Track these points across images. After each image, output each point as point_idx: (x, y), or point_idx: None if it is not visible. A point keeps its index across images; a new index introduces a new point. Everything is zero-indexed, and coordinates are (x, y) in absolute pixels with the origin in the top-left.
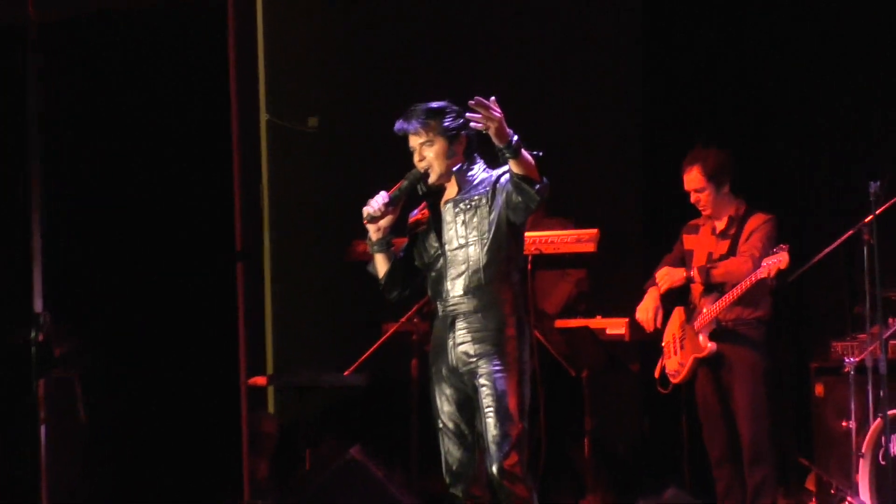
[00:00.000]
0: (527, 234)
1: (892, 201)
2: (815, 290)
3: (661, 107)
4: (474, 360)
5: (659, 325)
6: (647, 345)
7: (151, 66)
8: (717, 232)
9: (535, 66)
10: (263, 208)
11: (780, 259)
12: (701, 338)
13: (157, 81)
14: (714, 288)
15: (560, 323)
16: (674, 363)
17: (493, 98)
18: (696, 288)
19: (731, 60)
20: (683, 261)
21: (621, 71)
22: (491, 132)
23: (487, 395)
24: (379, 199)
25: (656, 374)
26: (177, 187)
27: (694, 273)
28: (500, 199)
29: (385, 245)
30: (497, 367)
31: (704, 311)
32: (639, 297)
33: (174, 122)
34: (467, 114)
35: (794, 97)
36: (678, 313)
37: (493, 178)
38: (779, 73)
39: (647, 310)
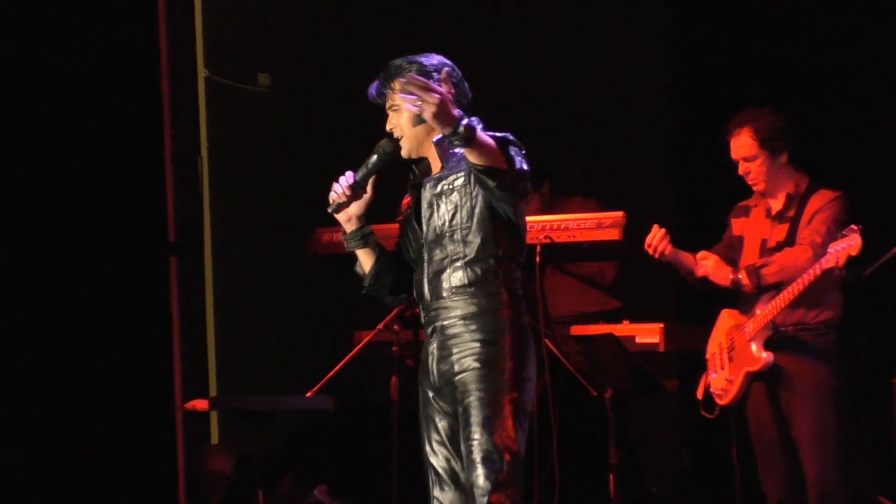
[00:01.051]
0: (535, 218)
1: None
2: None
3: (695, 76)
4: (459, 378)
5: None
6: (689, 356)
7: (59, 13)
8: (773, 213)
9: (550, 36)
10: (203, 188)
11: (851, 243)
12: (754, 347)
13: (66, 31)
14: (769, 286)
15: (577, 330)
16: (721, 380)
17: (441, 72)
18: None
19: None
20: (734, 250)
21: (651, 41)
22: (427, 116)
23: (472, 419)
24: (343, 182)
25: (699, 395)
26: (94, 163)
27: (742, 276)
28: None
29: (361, 238)
30: (486, 387)
31: (758, 313)
32: (675, 297)
33: (89, 82)
34: (399, 94)
35: (859, 52)
36: (726, 317)
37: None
38: (838, 22)
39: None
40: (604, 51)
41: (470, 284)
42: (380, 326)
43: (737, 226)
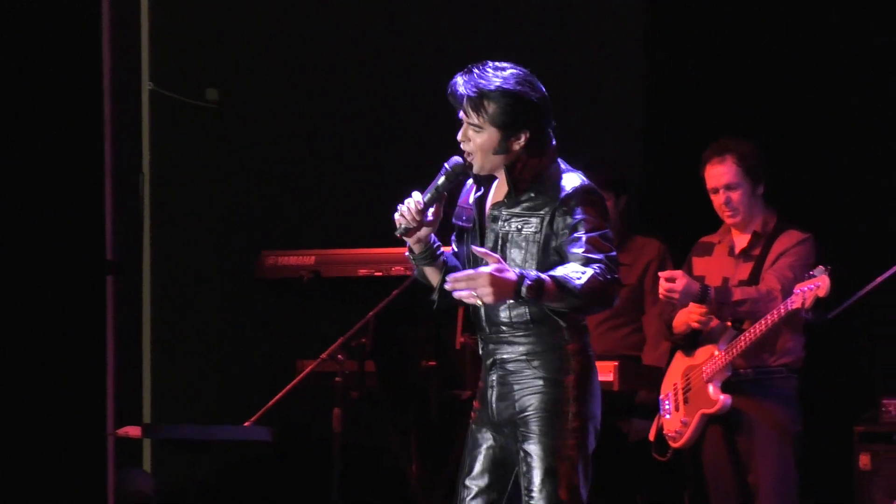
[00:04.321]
0: None
1: None
2: (864, 330)
3: (665, 106)
4: (521, 418)
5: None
6: (644, 397)
7: None
8: (738, 252)
9: (517, 44)
10: (144, 205)
11: (819, 284)
12: (711, 389)
13: (3, 38)
14: (722, 316)
15: None
16: (675, 422)
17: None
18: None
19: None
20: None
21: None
22: (491, 301)
23: (534, 466)
24: (411, 206)
25: (651, 437)
26: (29, 177)
27: (711, 293)
28: (554, 243)
29: (430, 257)
30: (550, 432)
31: (716, 353)
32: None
33: (27, 92)
34: (455, 293)
35: (829, 87)
36: (682, 356)
37: (554, 207)
38: (813, 54)
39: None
40: (571, 66)
41: (532, 320)
42: (323, 356)
43: (699, 264)
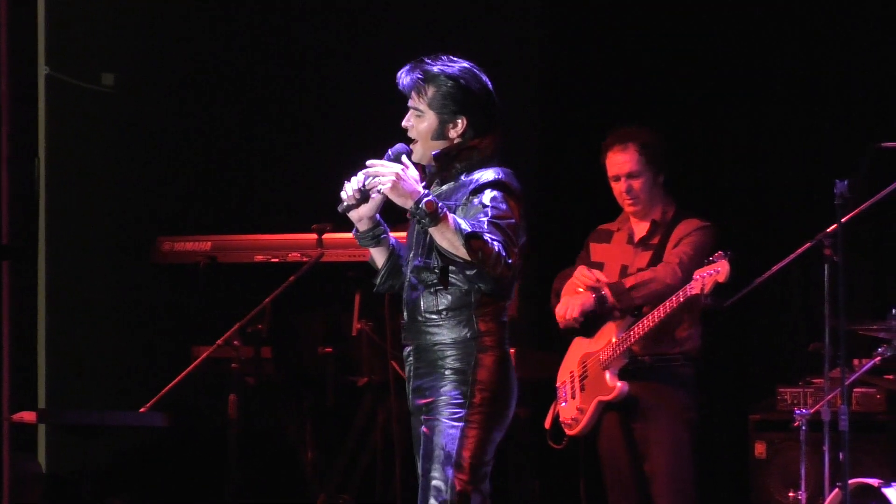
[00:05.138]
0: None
1: (864, 206)
2: (760, 319)
3: (561, 95)
4: (429, 404)
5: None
6: (541, 384)
7: None
8: (637, 240)
9: (411, 38)
10: (39, 190)
11: (719, 269)
12: (608, 376)
13: None
14: (627, 309)
15: None
16: (571, 409)
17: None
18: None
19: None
20: None
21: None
22: (386, 192)
23: (434, 450)
24: (354, 184)
25: (547, 424)
26: None
27: (606, 292)
28: (466, 216)
29: (372, 238)
30: (453, 419)
31: (613, 340)
32: (532, 323)
33: None
34: (364, 176)
35: (727, 73)
36: (579, 344)
37: (465, 196)
38: (702, 42)
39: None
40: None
41: (449, 310)
42: (219, 342)
43: (596, 251)
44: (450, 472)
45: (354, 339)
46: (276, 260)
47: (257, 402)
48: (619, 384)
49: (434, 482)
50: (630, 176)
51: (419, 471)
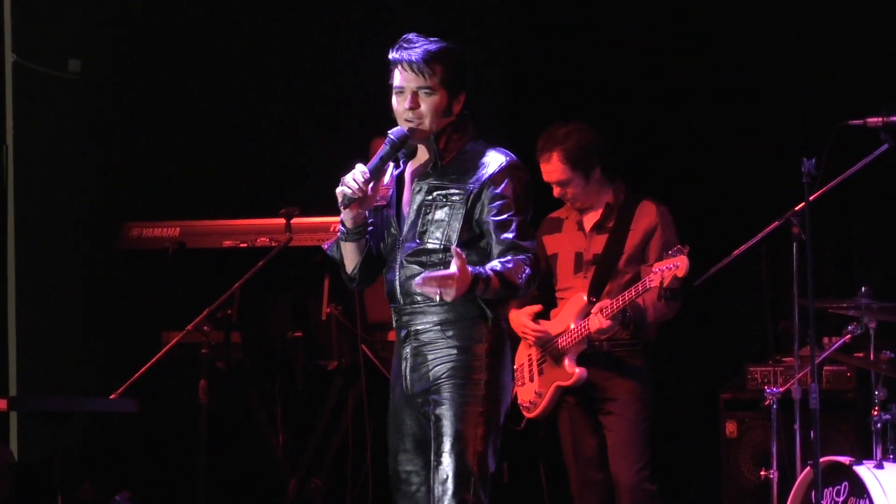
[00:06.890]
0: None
1: (831, 184)
2: (728, 299)
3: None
4: (434, 386)
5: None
6: None
7: None
8: (591, 226)
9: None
10: (7, 177)
11: (678, 264)
12: (567, 362)
13: None
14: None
15: (395, 336)
16: (529, 392)
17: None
18: (562, 294)
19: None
20: (546, 267)
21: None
22: (450, 298)
23: (444, 432)
24: (358, 176)
25: None
26: None
27: (600, 322)
28: (479, 216)
29: (361, 233)
30: (461, 399)
31: (571, 326)
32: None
33: None
34: (422, 288)
35: (693, 53)
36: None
37: (481, 182)
38: (666, 21)
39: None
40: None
41: None
42: (189, 327)
43: (549, 242)
44: (464, 450)
45: (324, 324)
46: (245, 245)
47: (227, 386)
48: (577, 370)
49: (447, 463)
50: (560, 184)
51: (432, 455)
